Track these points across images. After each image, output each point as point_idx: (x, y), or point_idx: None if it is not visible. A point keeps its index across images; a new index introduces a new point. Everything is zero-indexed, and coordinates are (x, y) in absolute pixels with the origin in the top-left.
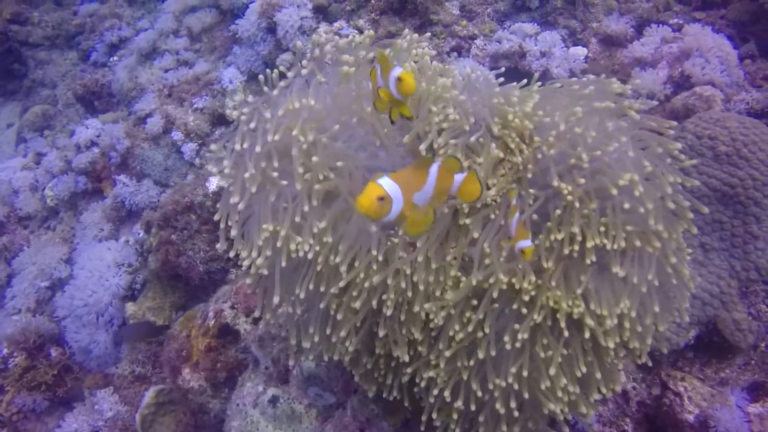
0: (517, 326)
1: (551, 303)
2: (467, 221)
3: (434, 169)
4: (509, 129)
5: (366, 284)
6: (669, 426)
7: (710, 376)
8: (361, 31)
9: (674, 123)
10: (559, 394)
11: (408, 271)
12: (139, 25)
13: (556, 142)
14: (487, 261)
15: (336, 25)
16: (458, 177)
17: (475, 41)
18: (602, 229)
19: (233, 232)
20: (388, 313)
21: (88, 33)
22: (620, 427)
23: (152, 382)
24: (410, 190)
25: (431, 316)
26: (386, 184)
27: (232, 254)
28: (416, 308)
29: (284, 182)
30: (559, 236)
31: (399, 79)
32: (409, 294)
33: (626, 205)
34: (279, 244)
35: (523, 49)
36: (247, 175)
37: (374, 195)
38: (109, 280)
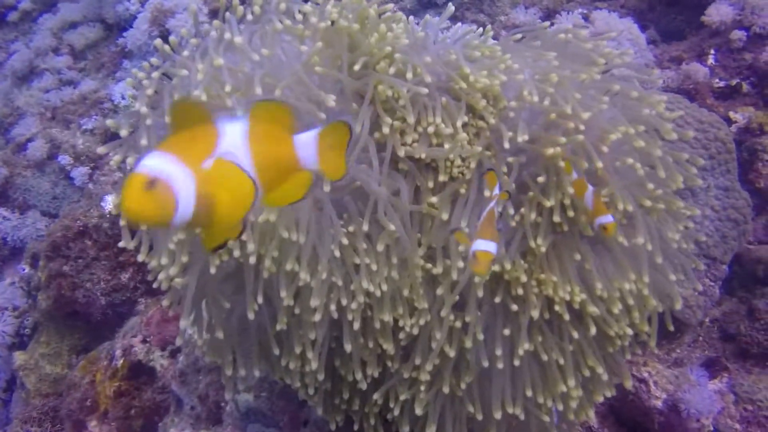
0: (507, 331)
1: (549, 292)
2: (433, 200)
3: (237, 126)
4: (472, 89)
5: (324, 288)
6: (637, 415)
7: (663, 358)
8: None
9: (656, 71)
10: (572, 404)
11: (373, 267)
12: (12, 47)
13: (528, 98)
14: (461, 248)
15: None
16: (305, 139)
17: None
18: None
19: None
20: (356, 324)
21: None
22: (584, 424)
23: None
24: (194, 155)
25: (401, 323)
26: (155, 161)
27: (141, 258)
28: (384, 316)
29: None
30: (549, 203)
31: (474, 257)
32: (378, 293)
33: (617, 164)
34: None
35: None
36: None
37: (137, 185)
38: None
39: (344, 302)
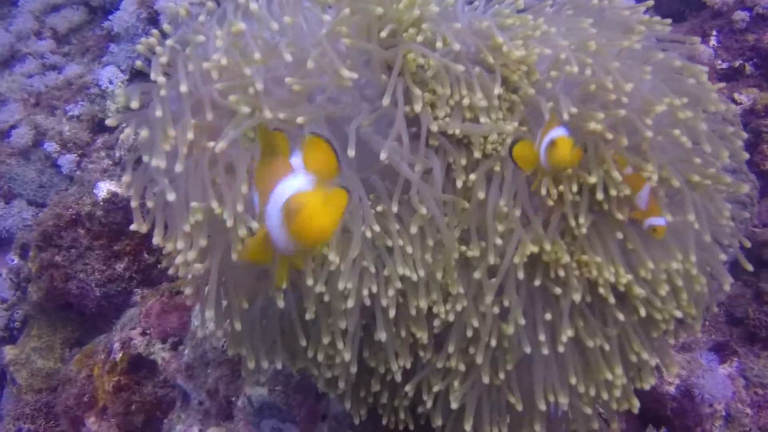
0: (548, 316)
1: (592, 274)
2: (471, 177)
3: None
4: (506, 59)
5: (356, 271)
6: (648, 401)
7: (671, 343)
8: None
9: (697, 39)
10: (617, 393)
11: (408, 250)
12: None
13: (568, 69)
14: (500, 228)
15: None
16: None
17: None
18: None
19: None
20: (392, 311)
21: None
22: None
23: None
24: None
25: (435, 310)
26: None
27: (157, 241)
28: (420, 302)
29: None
30: (592, 180)
31: (553, 144)
32: (415, 278)
33: (659, 138)
34: (230, 224)
35: None
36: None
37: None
38: None
39: (375, 289)
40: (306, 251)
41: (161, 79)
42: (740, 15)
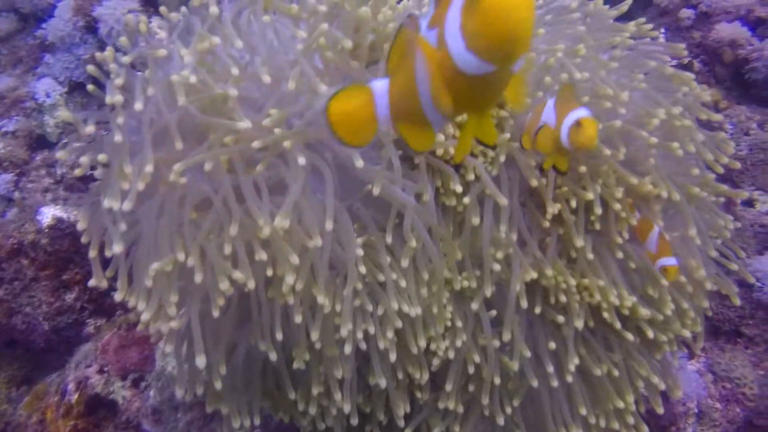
0: (552, 344)
1: (594, 298)
2: (465, 201)
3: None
4: None
5: (350, 312)
6: None
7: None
8: None
9: (682, 46)
10: (630, 420)
11: (402, 284)
12: None
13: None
14: (499, 255)
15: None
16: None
17: None
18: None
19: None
20: (392, 355)
21: None
22: None
23: None
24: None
25: (433, 347)
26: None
27: (120, 297)
28: (420, 341)
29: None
30: (589, 196)
31: (579, 125)
32: (413, 314)
33: (653, 151)
34: (198, 279)
35: None
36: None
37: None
38: None
39: (372, 330)
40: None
41: (118, 98)
42: (686, 13)
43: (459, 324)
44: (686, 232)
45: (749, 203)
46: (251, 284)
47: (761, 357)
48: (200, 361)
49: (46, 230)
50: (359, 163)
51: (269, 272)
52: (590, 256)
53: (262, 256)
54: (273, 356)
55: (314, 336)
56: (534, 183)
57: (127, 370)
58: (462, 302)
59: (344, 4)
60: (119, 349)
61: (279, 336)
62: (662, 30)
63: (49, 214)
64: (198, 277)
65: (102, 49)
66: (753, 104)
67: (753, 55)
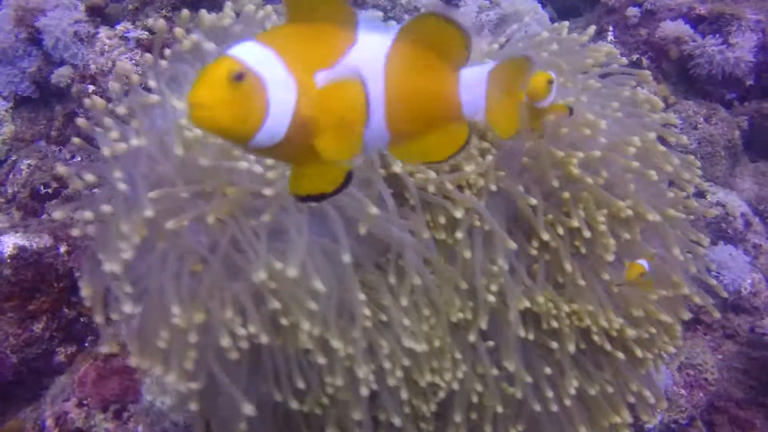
0: (548, 369)
1: (584, 322)
2: (458, 235)
3: (380, 38)
4: None
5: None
6: None
7: None
8: (152, 32)
9: (647, 72)
10: None
11: (406, 323)
12: None
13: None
14: (493, 287)
15: (120, 28)
16: (474, 76)
17: None
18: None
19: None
20: (404, 393)
21: None
22: None
23: None
24: (307, 60)
25: (437, 380)
26: (251, 51)
27: (135, 363)
28: (427, 376)
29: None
30: (574, 224)
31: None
32: (419, 350)
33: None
34: (225, 343)
35: None
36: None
37: (220, 72)
38: None
39: (383, 366)
40: None
41: (119, 146)
42: (632, 11)
43: (458, 356)
44: (667, 252)
45: (701, 194)
46: (264, 339)
47: (719, 342)
48: (249, 408)
49: (8, 260)
50: (373, 211)
51: (284, 321)
52: (582, 282)
53: (275, 305)
54: (294, 404)
55: (336, 381)
56: (526, 206)
57: (108, 401)
58: (457, 333)
59: None
60: (98, 381)
61: (300, 384)
62: (610, 28)
63: (9, 243)
64: (224, 342)
65: (48, 61)
66: (698, 98)
67: (696, 51)
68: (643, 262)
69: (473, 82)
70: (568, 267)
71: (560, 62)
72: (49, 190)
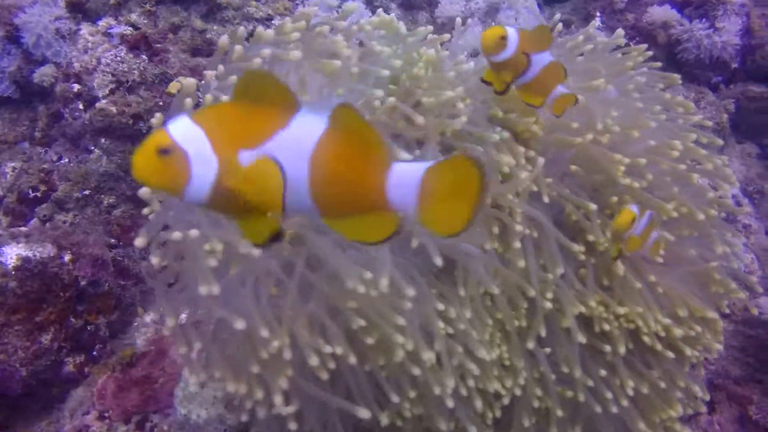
0: (603, 372)
1: (635, 324)
2: (515, 245)
3: (314, 124)
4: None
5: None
6: None
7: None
8: (136, 27)
9: (676, 77)
10: (677, 428)
11: (475, 336)
12: None
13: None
14: (549, 294)
15: (102, 23)
16: (405, 175)
17: (272, 22)
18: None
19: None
20: (478, 402)
21: None
22: None
23: None
24: (234, 139)
25: (497, 387)
26: (181, 129)
27: (232, 389)
28: (494, 384)
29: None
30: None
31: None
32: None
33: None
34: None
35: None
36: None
37: (151, 147)
38: None
39: (472, 383)
40: None
41: None
42: None
43: (520, 363)
44: (709, 251)
45: None
46: (353, 360)
47: None
48: (364, 412)
49: (13, 272)
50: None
51: (369, 340)
52: (638, 285)
53: (360, 323)
54: (384, 420)
55: (436, 391)
56: (574, 211)
57: (130, 413)
58: (514, 340)
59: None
60: (118, 393)
61: (395, 398)
62: (597, 14)
63: (12, 254)
64: (313, 361)
65: (29, 60)
66: (686, 82)
67: (684, 36)
68: (634, 208)
69: (405, 180)
70: (619, 270)
71: (598, 66)
72: (38, 194)
